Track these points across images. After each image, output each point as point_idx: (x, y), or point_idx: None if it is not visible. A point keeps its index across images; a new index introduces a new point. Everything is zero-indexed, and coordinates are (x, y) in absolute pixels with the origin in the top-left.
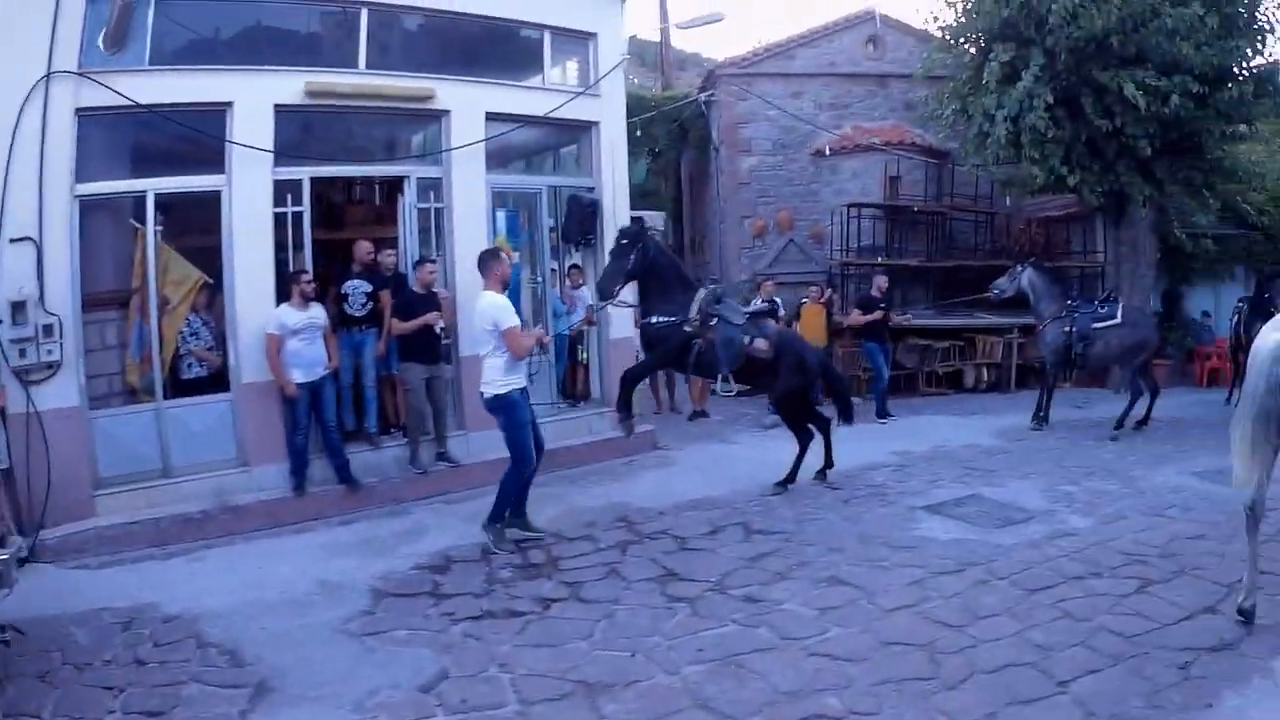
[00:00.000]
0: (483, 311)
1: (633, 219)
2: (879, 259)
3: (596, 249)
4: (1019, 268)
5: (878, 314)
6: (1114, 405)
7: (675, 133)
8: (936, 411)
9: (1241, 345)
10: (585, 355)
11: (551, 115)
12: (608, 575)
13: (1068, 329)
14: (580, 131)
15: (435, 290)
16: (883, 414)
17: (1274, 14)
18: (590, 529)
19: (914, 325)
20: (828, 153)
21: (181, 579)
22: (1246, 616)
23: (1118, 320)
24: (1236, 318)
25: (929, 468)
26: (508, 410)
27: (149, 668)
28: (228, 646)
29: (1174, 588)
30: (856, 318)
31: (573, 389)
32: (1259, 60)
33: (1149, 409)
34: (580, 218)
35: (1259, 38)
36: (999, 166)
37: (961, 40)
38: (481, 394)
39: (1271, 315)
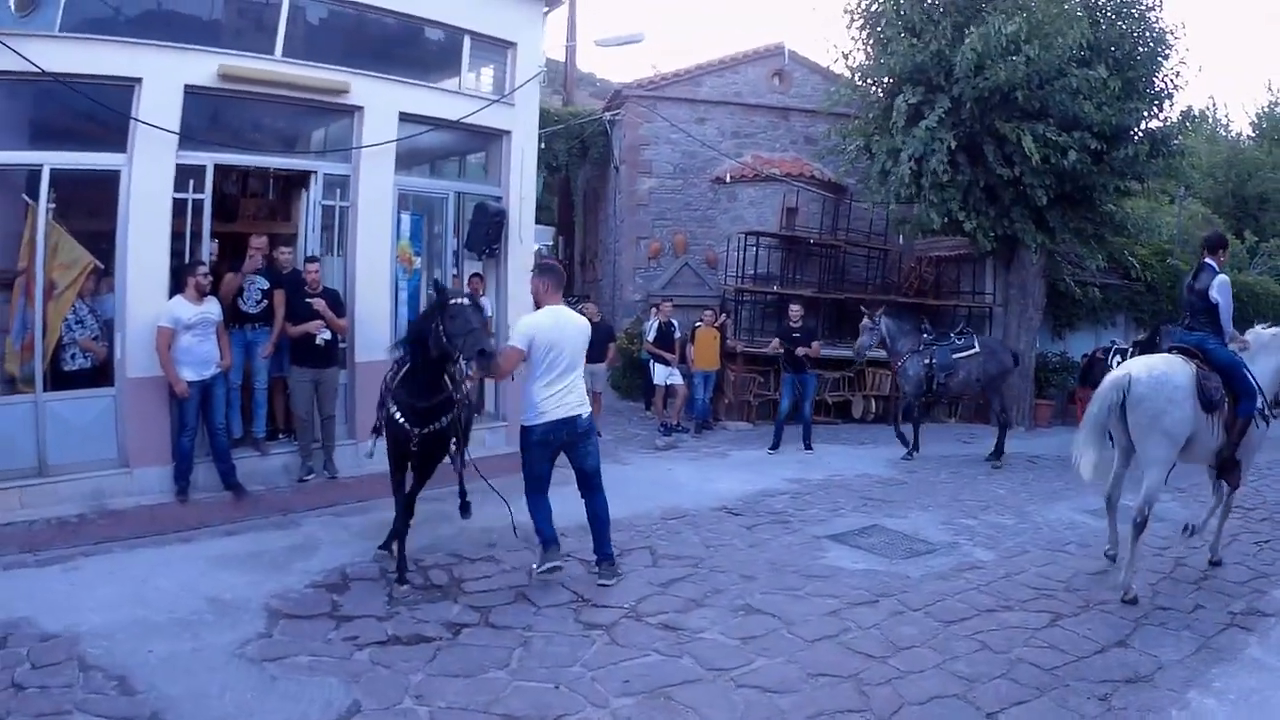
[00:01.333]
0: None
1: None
2: (775, 286)
3: (500, 259)
4: (871, 322)
5: (815, 348)
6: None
7: (575, 149)
8: (826, 440)
9: None
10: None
11: (465, 121)
12: (516, 599)
13: (928, 361)
14: (491, 140)
15: (317, 293)
16: (806, 444)
17: (1173, 80)
18: (492, 550)
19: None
20: (728, 180)
21: (59, 591)
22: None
23: (975, 349)
24: (1117, 360)
25: (827, 496)
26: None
27: (28, 693)
28: (114, 672)
29: (1083, 621)
30: (775, 346)
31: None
32: (1155, 123)
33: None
34: (486, 226)
35: (1157, 102)
36: (896, 205)
37: (869, 80)
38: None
39: None
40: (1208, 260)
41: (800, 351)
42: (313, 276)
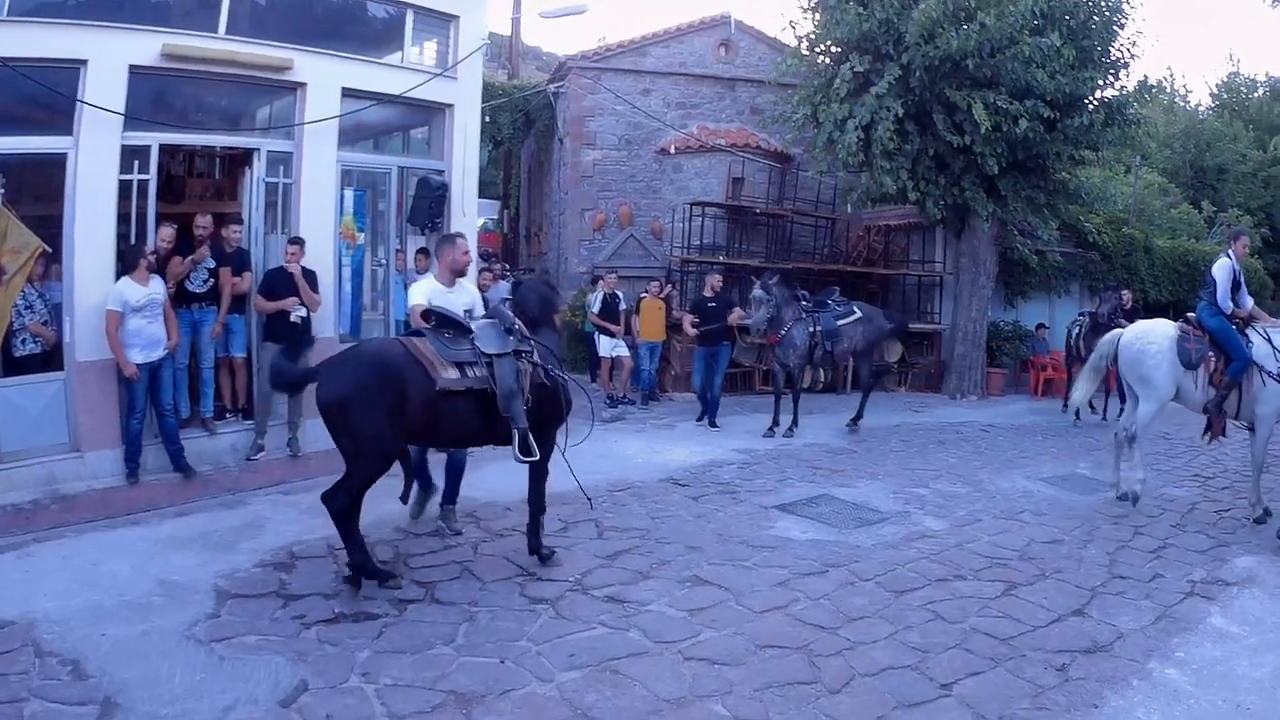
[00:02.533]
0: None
1: None
2: (719, 257)
3: (443, 233)
4: (765, 292)
5: (736, 314)
6: (951, 410)
7: (520, 122)
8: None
9: (1080, 356)
10: None
11: (408, 95)
12: (462, 574)
13: (812, 329)
14: (434, 114)
15: (295, 270)
16: (711, 421)
17: (1129, 49)
18: (438, 525)
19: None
20: (673, 151)
21: (13, 578)
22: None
23: (857, 315)
24: (1078, 330)
25: (775, 466)
26: None
27: None
28: (69, 657)
29: (1039, 590)
30: (688, 326)
31: None
32: (1111, 92)
33: (864, 403)
34: (429, 201)
35: (1113, 71)
36: (843, 174)
37: (817, 50)
38: None
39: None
40: (1227, 249)
41: (734, 319)
42: (292, 257)
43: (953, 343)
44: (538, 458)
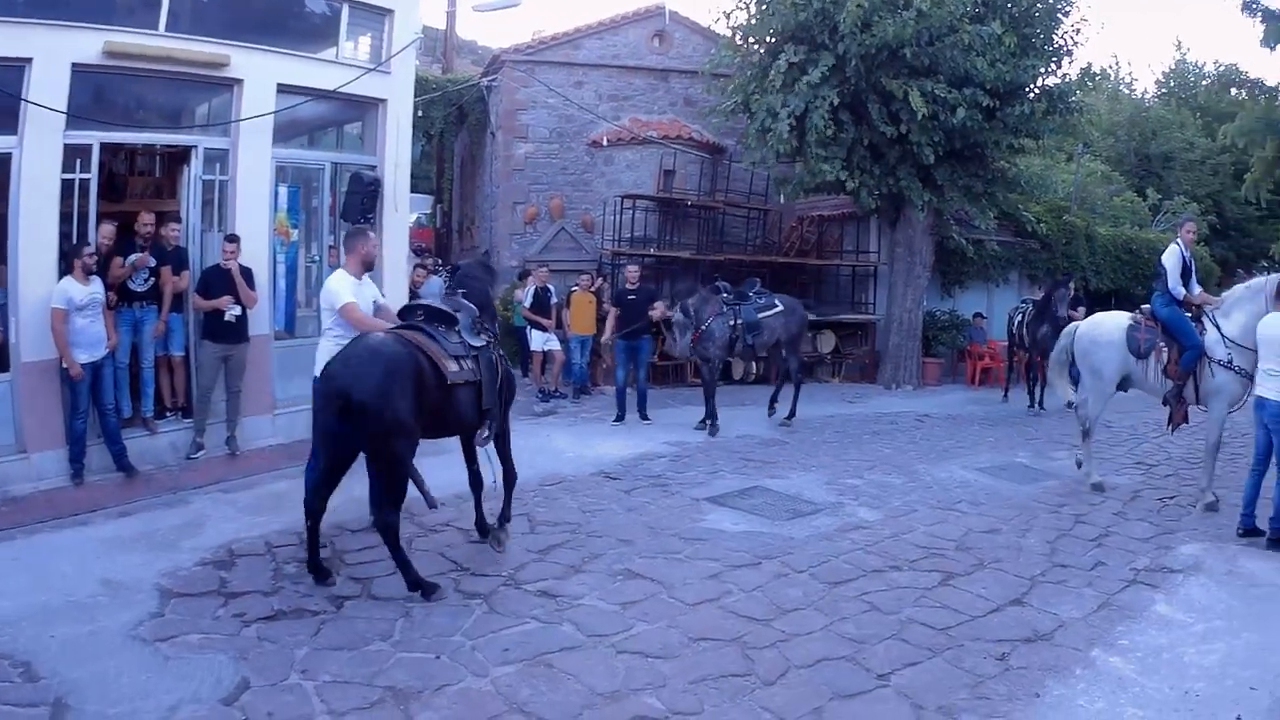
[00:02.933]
0: (324, 291)
1: None
2: (651, 249)
3: (375, 228)
4: (684, 316)
5: (657, 310)
6: (886, 400)
7: (453, 116)
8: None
9: (1023, 344)
10: None
11: (342, 90)
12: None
13: (733, 322)
14: (368, 109)
15: (233, 267)
16: (642, 414)
17: (1073, 37)
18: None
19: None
20: (605, 143)
21: None
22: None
23: (778, 307)
24: (1020, 318)
25: (707, 459)
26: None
27: None
28: (20, 658)
29: (977, 580)
30: (611, 314)
31: None
32: (1053, 80)
33: (779, 395)
34: (362, 196)
35: (1055, 59)
36: (775, 164)
37: (751, 40)
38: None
39: (1055, 319)
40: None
41: (657, 315)
42: (229, 255)
43: (887, 333)
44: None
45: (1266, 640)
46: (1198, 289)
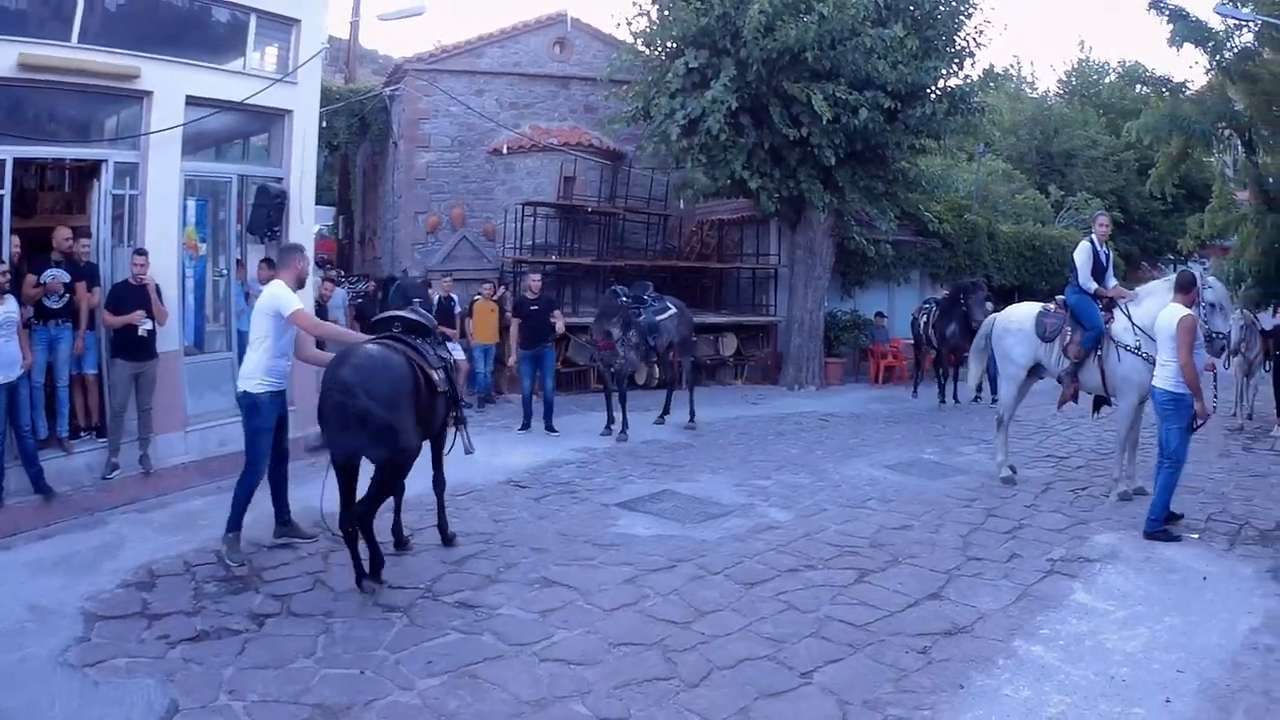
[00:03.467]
0: (263, 301)
1: None
2: (551, 256)
3: (281, 240)
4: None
5: (558, 322)
6: (789, 400)
7: (356, 127)
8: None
9: (930, 343)
10: None
11: (250, 101)
12: (315, 586)
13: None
14: (274, 120)
15: (148, 283)
16: (548, 425)
17: (975, 39)
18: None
19: (583, 323)
20: (505, 151)
21: None
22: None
23: (672, 310)
24: (925, 318)
25: (614, 464)
26: (251, 412)
27: None
28: None
29: (893, 576)
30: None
31: None
32: (955, 81)
33: (670, 404)
34: (268, 209)
35: (958, 60)
36: (675, 170)
37: (653, 46)
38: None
39: (964, 318)
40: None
41: (560, 327)
42: (140, 269)
43: (789, 334)
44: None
45: (1189, 624)
46: (1113, 282)
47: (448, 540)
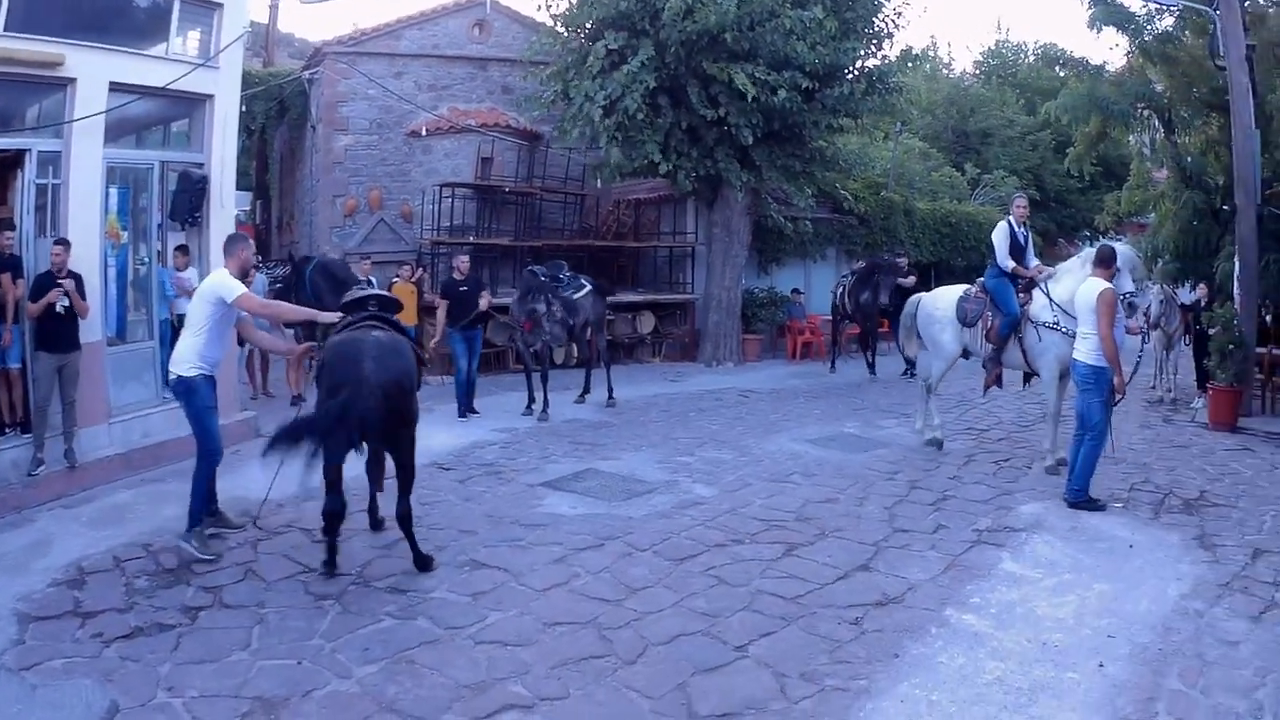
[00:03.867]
0: (205, 286)
1: None
2: (469, 237)
3: (202, 227)
4: (545, 304)
5: (484, 300)
6: (708, 377)
7: (273, 111)
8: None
9: (848, 315)
10: None
11: (172, 86)
12: (246, 576)
13: (555, 306)
14: (195, 105)
15: (63, 276)
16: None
17: (894, 20)
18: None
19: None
20: (423, 133)
21: None
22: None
23: (589, 288)
24: (840, 290)
25: (537, 444)
26: (190, 395)
27: None
28: None
29: (821, 550)
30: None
31: None
32: (873, 61)
33: (589, 383)
34: (190, 195)
35: (876, 41)
36: (591, 150)
37: (572, 27)
38: (168, 375)
39: (878, 288)
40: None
41: (485, 304)
42: (59, 259)
43: (707, 311)
44: None
45: (1118, 590)
46: (1034, 261)
47: (377, 525)
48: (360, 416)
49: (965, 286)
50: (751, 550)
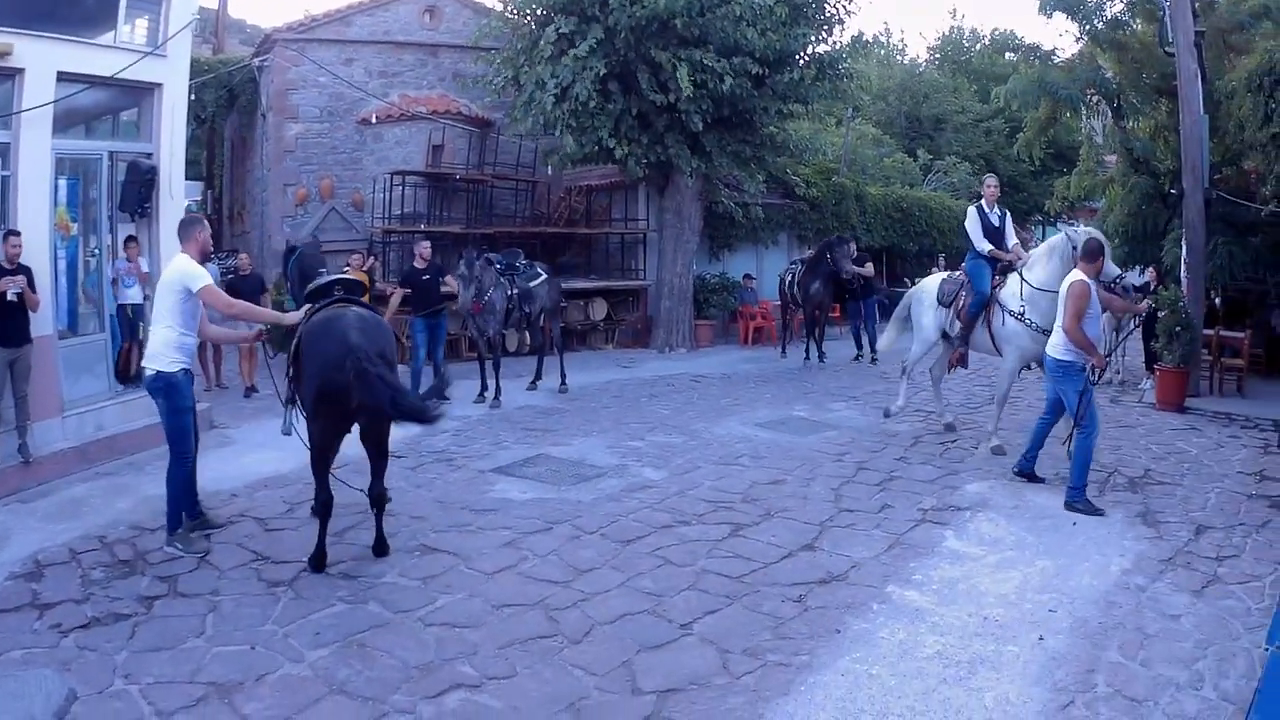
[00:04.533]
0: (170, 275)
1: None
2: (421, 225)
3: (152, 218)
4: (466, 270)
5: (451, 283)
6: (660, 363)
7: (224, 99)
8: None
9: (796, 302)
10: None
11: (120, 75)
12: (200, 565)
13: (510, 292)
14: (144, 94)
15: (14, 269)
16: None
17: (844, 6)
18: (199, 528)
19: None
20: (374, 121)
21: None
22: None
23: (544, 276)
24: (790, 277)
25: (489, 431)
26: (169, 392)
27: None
28: None
29: (766, 530)
30: (396, 294)
31: (128, 369)
32: (824, 47)
33: (541, 370)
34: (139, 185)
35: (827, 27)
36: (543, 136)
37: (522, 13)
38: (143, 370)
39: (827, 276)
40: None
41: (448, 287)
42: (13, 251)
43: (659, 298)
44: None
45: (1060, 566)
46: (1013, 241)
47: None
48: (361, 378)
49: (943, 274)
50: (698, 531)
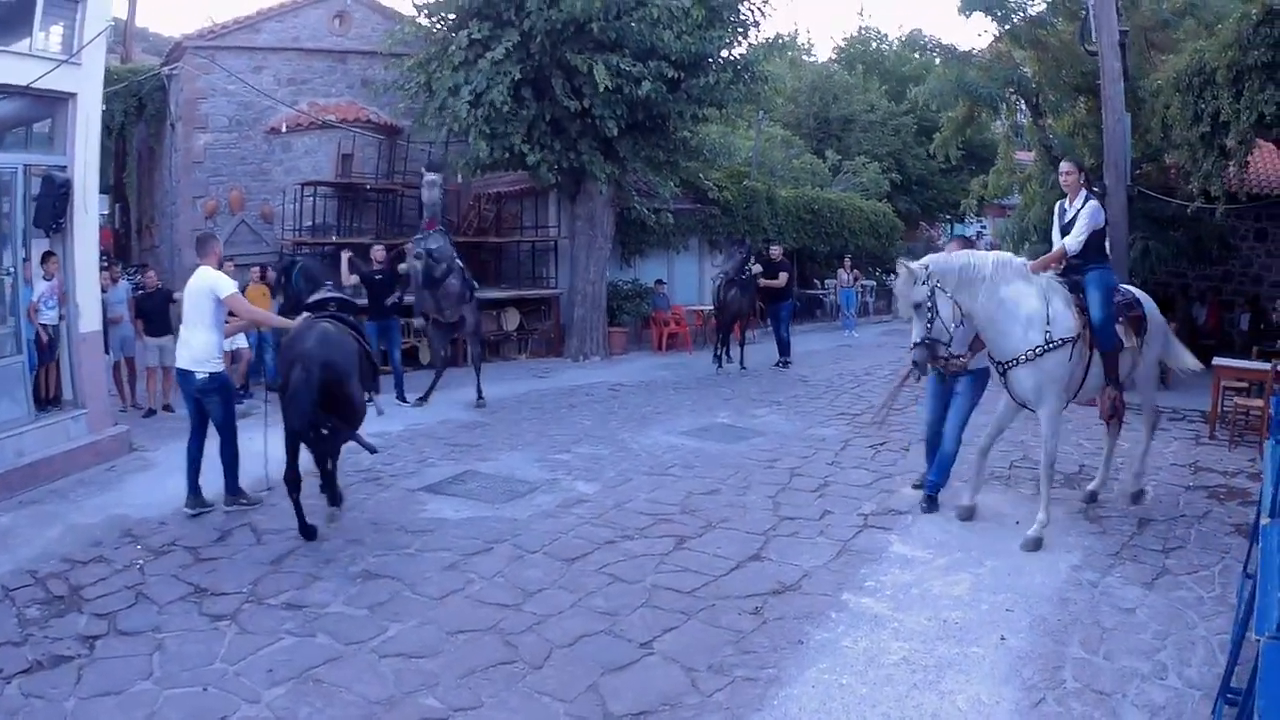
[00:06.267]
0: (199, 284)
1: None
2: (331, 237)
3: (67, 234)
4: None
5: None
6: (576, 372)
7: (132, 109)
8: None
9: (725, 307)
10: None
11: (36, 85)
12: (137, 601)
13: (467, 276)
14: (57, 104)
15: None
16: (401, 395)
17: (758, 9)
18: (99, 549)
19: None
20: (283, 130)
21: None
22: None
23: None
24: (719, 282)
25: (412, 447)
26: (224, 390)
27: None
28: None
29: (711, 541)
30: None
31: (45, 392)
32: (739, 50)
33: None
34: (54, 200)
35: (742, 30)
36: (455, 143)
37: (435, 17)
38: (189, 373)
39: (743, 285)
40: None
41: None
42: None
43: (571, 306)
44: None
45: (1010, 566)
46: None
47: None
48: (308, 382)
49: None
50: (642, 545)
